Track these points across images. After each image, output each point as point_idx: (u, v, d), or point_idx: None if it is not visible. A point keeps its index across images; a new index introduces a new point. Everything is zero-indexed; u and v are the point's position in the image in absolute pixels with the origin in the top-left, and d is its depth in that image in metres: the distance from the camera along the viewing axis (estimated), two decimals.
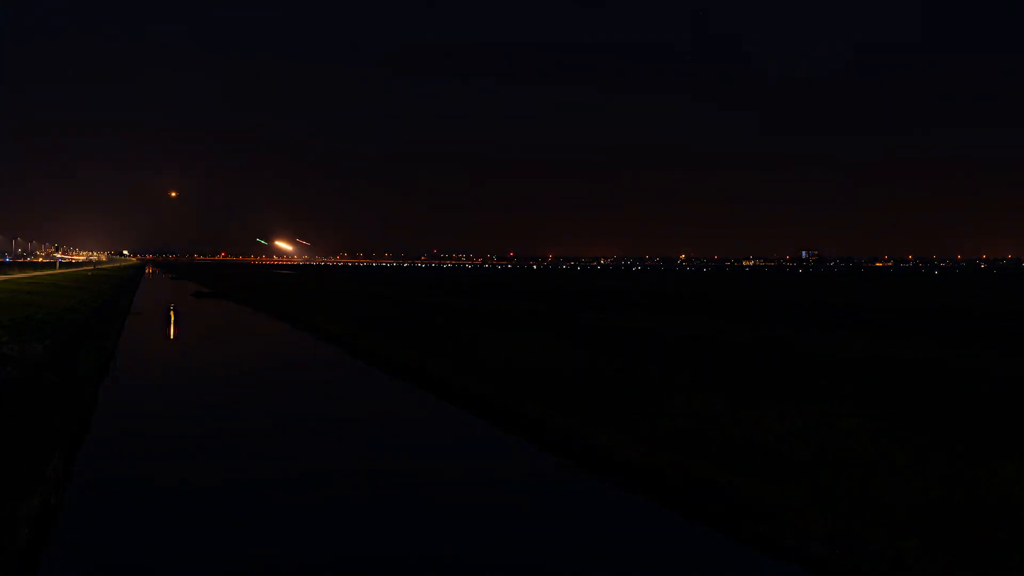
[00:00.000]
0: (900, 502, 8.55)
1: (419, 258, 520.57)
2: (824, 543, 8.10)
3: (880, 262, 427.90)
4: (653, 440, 11.77)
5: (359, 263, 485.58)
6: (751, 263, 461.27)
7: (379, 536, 9.18)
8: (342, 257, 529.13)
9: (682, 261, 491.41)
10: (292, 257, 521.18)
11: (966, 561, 7.20)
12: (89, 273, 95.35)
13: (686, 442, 11.46)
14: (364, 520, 9.70)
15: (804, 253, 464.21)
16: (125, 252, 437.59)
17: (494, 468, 12.24)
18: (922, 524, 7.98)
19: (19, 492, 8.97)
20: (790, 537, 8.41)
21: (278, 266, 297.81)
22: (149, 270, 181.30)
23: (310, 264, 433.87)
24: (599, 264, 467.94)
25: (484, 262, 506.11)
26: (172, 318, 42.89)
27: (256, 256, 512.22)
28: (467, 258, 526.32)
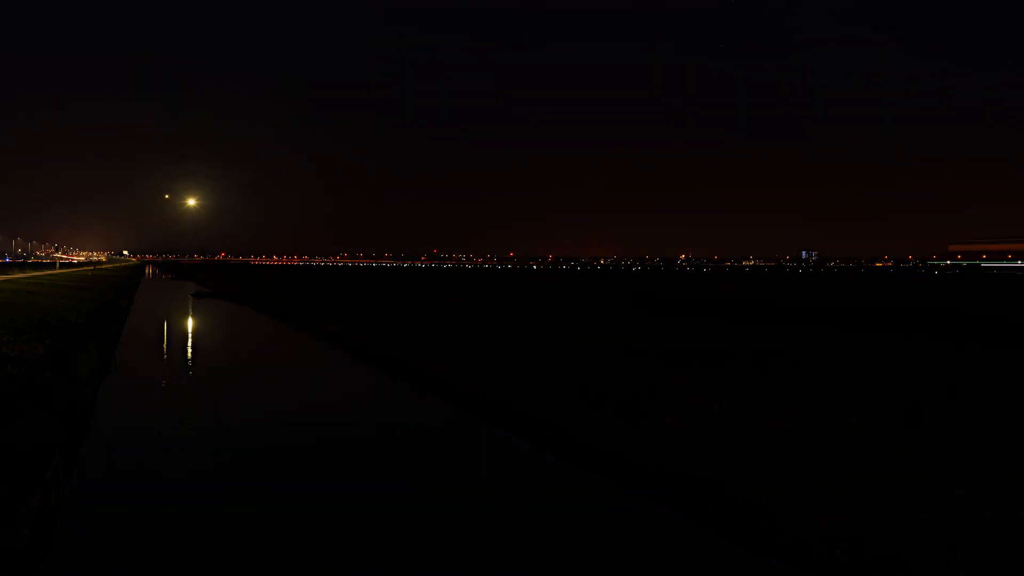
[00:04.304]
0: (899, 502, 8.56)
1: (419, 258, 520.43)
2: (824, 543, 8.10)
3: (880, 262, 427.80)
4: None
5: (359, 263, 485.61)
6: (751, 263, 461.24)
7: None
8: (341, 258, 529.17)
9: (682, 261, 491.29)
10: (293, 257, 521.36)
11: (964, 562, 7.20)
12: (89, 273, 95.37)
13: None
14: None
15: (804, 253, 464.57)
16: (125, 252, 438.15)
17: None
18: (920, 525, 7.98)
19: (19, 492, 8.98)
20: (789, 537, 8.42)
21: (282, 266, 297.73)
22: (149, 270, 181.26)
23: (311, 264, 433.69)
24: (599, 264, 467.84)
25: (484, 262, 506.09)
26: (172, 319, 42.90)
27: (256, 257, 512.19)
28: (467, 258, 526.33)
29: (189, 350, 27.97)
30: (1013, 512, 8.02)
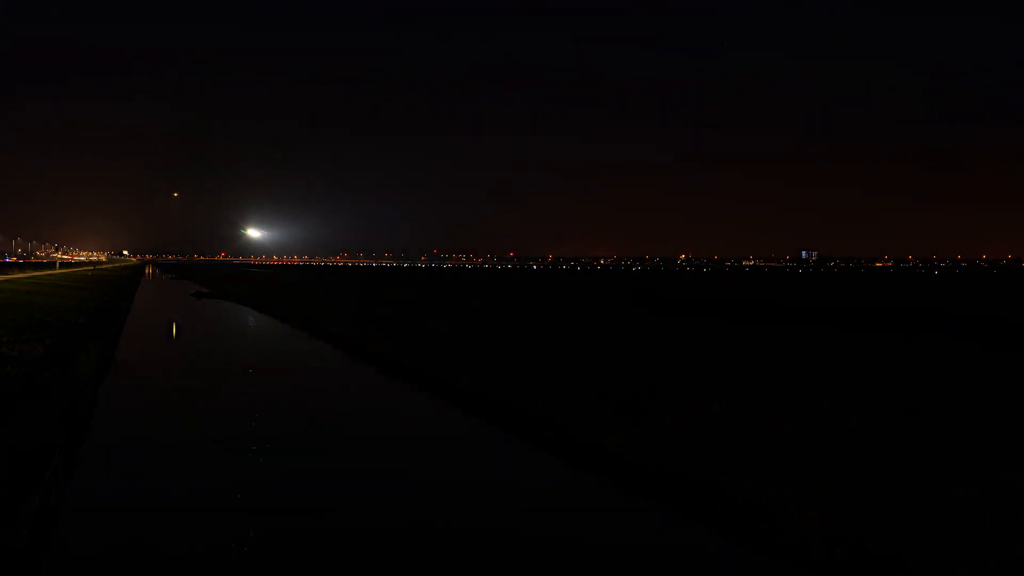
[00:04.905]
0: (899, 502, 8.56)
1: (419, 258, 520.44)
2: (824, 543, 8.10)
3: (880, 262, 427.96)
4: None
5: (359, 263, 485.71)
6: (751, 263, 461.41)
7: None
8: (341, 258, 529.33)
9: (682, 261, 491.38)
10: (293, 257, 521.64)
11: (964, 562, 7.20)
12: (89, 273, 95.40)
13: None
14: None
15: (804, 253, 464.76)
16: (125, 252, 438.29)
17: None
18: (920, 525, 7.98)
19: (19, 492, 8.98)
20: (789, 537, 8.42)
21: (282, 266, 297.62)
22: (149, 270, 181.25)
23: (311, 264, 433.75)
24: (599, 264, 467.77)
25: (484, 262, 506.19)
26: (172, 318, 42.92)
27: (256, 257, 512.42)
28: (467, 258, 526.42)
29: (189, 350, 27.98)
30: (1013, 512, 8.02)
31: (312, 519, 9.71)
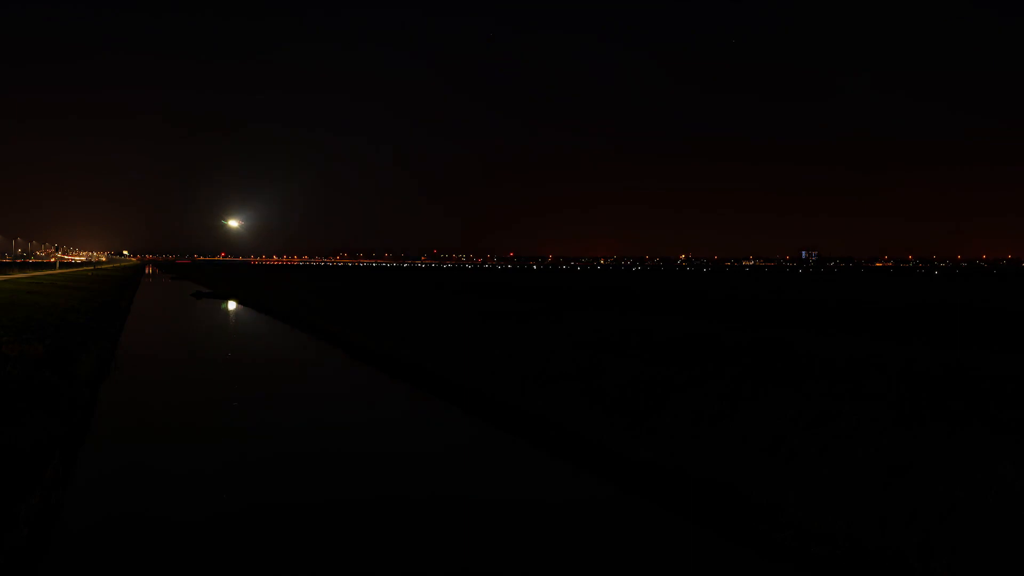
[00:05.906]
0: (899, 502, 8.56)
1: (419, 258, 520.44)
2: (823, 543, 8.10)
3: (880, 262, 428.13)
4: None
5: (359, 263, 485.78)
6: (751, 263, 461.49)
7: None
8: (341, 257, 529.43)
9: (682, 261, 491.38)
10: (293, 257, 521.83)
11: (963, 561, 7.20)
12: (89, 273, 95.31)
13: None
14: None
15: (804, 253, 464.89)
16: (125, 252, 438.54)
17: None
18: (921, 524, 7.98)
19: (19, 492, 8.98)
20: (789, 536, 8.42)
21: (281, 266, 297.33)
22: (149, 270, 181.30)
23: (310, 264, 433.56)
24: (599, 264, 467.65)
25: (484, 262, 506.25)
26: (172, 319, 42.92)
27: (256, 257, 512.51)
28: (467, 258, 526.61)
29: (188, 350, 27.98)
30: (1013, 512, 8.02)
31: (318, 525, 9.72)
